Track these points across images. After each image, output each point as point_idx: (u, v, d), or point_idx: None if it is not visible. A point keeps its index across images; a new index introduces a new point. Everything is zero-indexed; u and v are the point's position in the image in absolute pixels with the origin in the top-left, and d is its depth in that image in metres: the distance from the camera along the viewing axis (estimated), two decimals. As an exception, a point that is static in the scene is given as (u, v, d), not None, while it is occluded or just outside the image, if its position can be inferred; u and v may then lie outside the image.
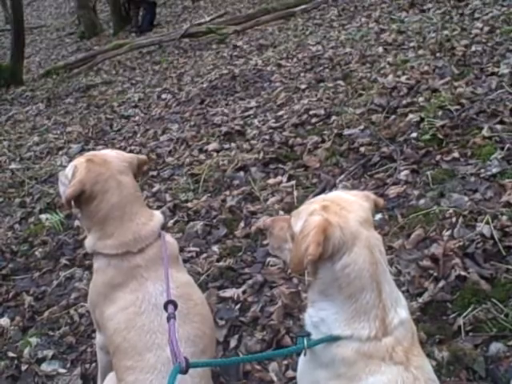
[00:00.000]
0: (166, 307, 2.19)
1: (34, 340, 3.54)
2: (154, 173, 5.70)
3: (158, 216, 2.67)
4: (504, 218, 3.41)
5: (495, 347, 2.64)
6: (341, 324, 1.81)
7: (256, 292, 3.54)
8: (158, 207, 4.73)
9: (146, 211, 2.63)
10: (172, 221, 4.56)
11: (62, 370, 3.28)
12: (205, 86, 8.56)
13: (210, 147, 5.86)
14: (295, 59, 8.43)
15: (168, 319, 2.12)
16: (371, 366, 1.76)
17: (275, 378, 2.87)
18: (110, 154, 2.71)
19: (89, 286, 2.70)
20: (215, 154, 5.64)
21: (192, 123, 6.98)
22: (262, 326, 3.27)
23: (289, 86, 7.23)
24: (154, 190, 5.28)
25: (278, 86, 7.39)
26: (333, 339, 1.81)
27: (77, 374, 3.21)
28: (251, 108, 6.87)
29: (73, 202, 2.57)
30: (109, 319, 2.44)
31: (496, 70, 5.41)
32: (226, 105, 7.41)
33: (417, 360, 1.81)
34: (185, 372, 1.80)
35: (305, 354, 1.89)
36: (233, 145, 5.77)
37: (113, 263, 2.50)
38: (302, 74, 7.61)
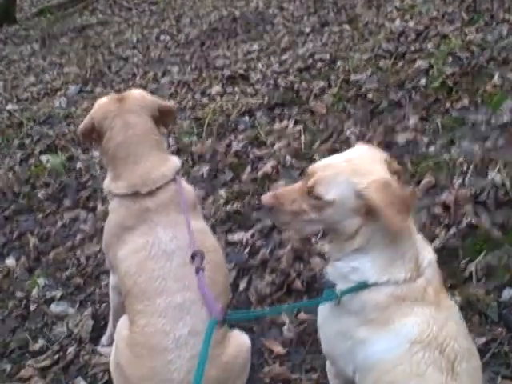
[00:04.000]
0: (193, 257, 2.17)
1: (41, 281, 3.53)
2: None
3: (173, 161, 2.63)
4: (514, 164, 3.39)
5: (508, 293, 2.66)
6: (377, 271, 1.81)
7: (265, 236, 3.54)
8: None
9: (157, 155, 2.57)
10: (177, 164, 4.51)
11: (71, 311, 3.29)
12: (205, 28, 8.39)
13: (213, 91, 5.76)
14: (298, 2, 8.26)
15: (197, 271, 2.09)
16: (404, 309, 1.77)
17: (287, 320, 2.89)
18: (131, 93, 2.68)
19: (99, 228, 2.68)
20: (219, 98, 5.54)
21: (193, 66, 6.86)
22: (271, 268, 3.27)
23: (292, 30, 7.10)
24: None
25: (281, 30, 7.26)
26: (366, 286, 1.81)
27: (88, 314, 3.21)
28: (254, 51, 6.74)
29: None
30: (121, 261, 2.44)
31: (507, 16, 5.29)
32: (228, 48, 7.27)
33: (446, 300, 1.85)
34: (222, 323, 1.76)
35: (338, 303, 1.88)
36: (236, 89, 5.68)
37: (124, 204, 2.49)
38: (305, 18, 7.46)
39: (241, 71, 6.06)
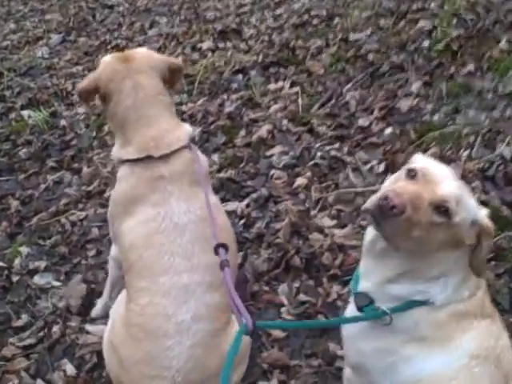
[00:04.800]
0: (216, 251, 2.00)
1: (24, 249, 3.34)
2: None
3: (185, 127, 2.46)
4: (524, 138, 3.24)
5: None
6: (448, 293, 1.71)
7: (260, 207, 3.37)
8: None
9: (170, 119, 2.41)
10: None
11: (55, 283, 3.11)
12: (194, -24, 7.99)
13: (204, 46, 5.48)
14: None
15: (221, 267, 1.91)
16: (463, 325, 1.69)
17: (286, 301, 2.75)
18: (137, 52, 2.49)
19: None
20: (210, 54, 5.29)
21: (182, 17, 6.54)
22: (267, 243, 3.13)
23: (285, -19, 6.76)
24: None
25: (275, -20, 6.90)
26: (421, 304, 1.71)
27: (74, 285, 3.04)
28: (246, 4, 6.43)
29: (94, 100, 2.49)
30: (126, 233, 2.27)
31: (514, -24, 5.05)
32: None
33: (495, 310, 1.78)
34: (251, 334, 1.58)
35: (390, 323, 1.72)
36: (229, 44, 5.41)
37: (136, 171, 2.31)
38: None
39: (233, 25, 5.77)
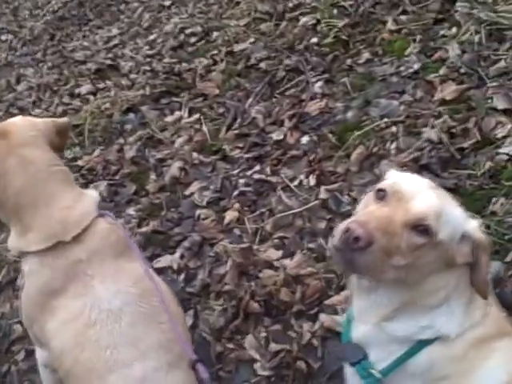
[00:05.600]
0: (193, 367, 1.69)
1: None
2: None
3: (90, 195, 2.11)
4: (446, 118, 3.13)
5: (495, 267, 2.37)
6: (458, 321, 1.52)
7: (196, 254, 3.07)
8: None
9: (71, 190, 2.06)
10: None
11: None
12: (49, 18, 7.50)
13: (83, 90, 5.07)
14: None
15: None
16: (484, 351, 1.51)
17: (257, 356, 2.47)
18: (12, 122, 2.11)
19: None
20: (92, 98, 4.89)
21: (49, 64, 6.07)
22: (215, 293, 2.84)
23: (150, 5, 6.46)
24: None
25: (138, 7, 6.58)
26: (424, 343, 1.52)
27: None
28: (114, 36, 6.07)
29: None
30: (52, 336, 1.90)
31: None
32: (84, 37, 6.52)
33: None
34: None
35: None
36: (109, 83, 5.03)
37: (46, 262, 1.94)
38: (160, -11, 6.83)
39: (108, 61, 5.39)
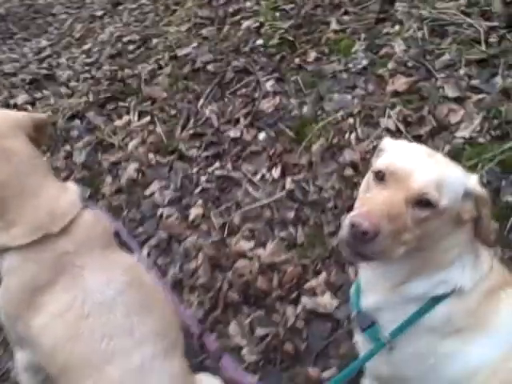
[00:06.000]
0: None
1: None
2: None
3: (72, 187, 2.02)
4: (401, 108, 3.25)
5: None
6: (471, 274, 1.56)
7: (164, 251, 3.02)
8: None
9: (53, 183, 1.97)
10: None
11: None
12: (-31, 34, 7.22)
13: (19, 100, 4.88)
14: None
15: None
16: (494, 301, 1.56)
17: (243, 342, 2.44)
18: None
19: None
20: (30, 107, 4.72)
21: (-24, 78, 5.82)
22: (189, 287, 2.79)
23: (80, 16, 6.35)
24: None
25: (67, 18, 6.45)
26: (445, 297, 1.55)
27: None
28: (45, 48, 5.89)
29: None
30: (40, 333, 1.80)
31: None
32: (10, 50, 6.29)
33: None
34: None
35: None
36: (46, 92, 4.88)
37: (31, 257, 1.84)
38: (88, 0, 6.72)
39: (43, 71, 5.23)
